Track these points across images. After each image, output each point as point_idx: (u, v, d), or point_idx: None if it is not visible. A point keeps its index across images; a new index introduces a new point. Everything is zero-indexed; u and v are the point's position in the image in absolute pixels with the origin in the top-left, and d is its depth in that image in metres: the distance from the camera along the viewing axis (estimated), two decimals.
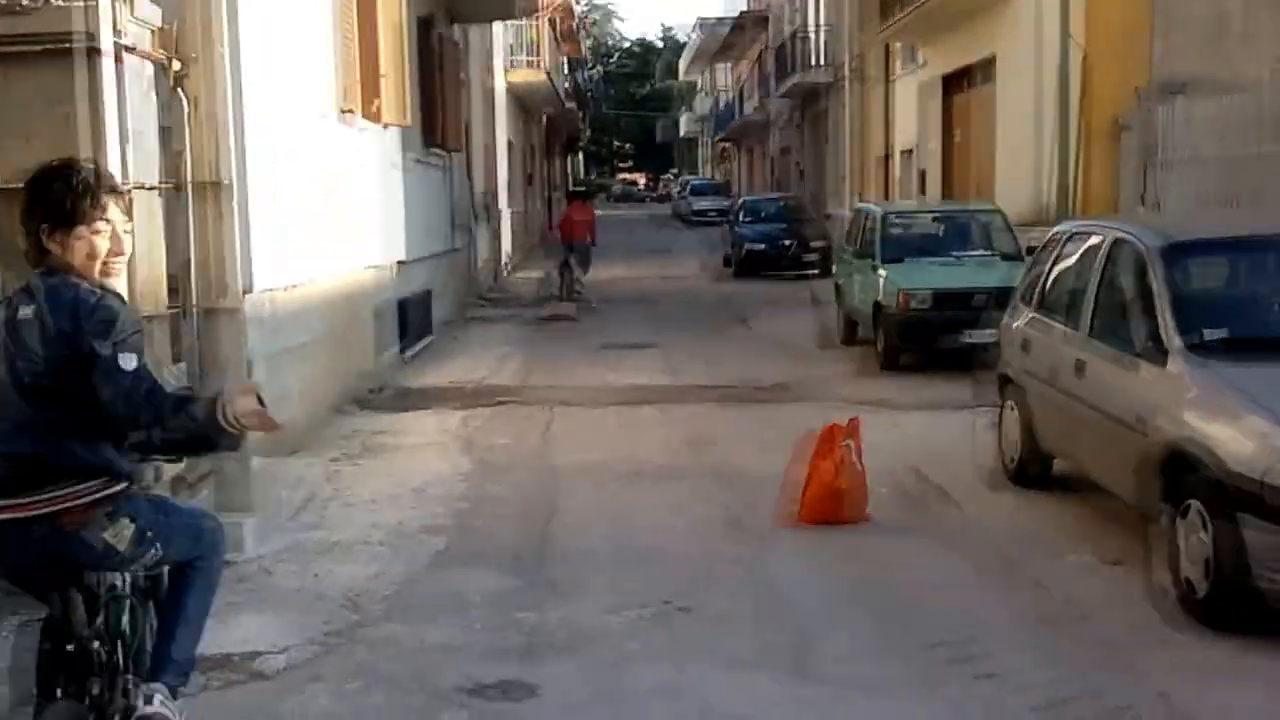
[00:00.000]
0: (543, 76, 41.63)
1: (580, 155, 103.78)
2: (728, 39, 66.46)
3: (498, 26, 34.63)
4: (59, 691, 4.57)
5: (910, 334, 17.15)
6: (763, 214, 37.99)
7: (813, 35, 45.06)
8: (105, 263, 4.60)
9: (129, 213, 4.84)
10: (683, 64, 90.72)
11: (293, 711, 6.33)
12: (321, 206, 13.55)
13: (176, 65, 8.63)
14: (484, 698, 6.44)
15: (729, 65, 77.76)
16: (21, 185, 4.70)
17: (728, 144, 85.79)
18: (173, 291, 8.72)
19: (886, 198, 33.89)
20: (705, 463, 11.82)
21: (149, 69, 8.40)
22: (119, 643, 4.75)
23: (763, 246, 34.88)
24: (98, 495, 4.46)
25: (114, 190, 4.72)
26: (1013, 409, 10.69)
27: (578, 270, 28.48)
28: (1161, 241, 8.76)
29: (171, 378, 8.73)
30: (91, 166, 4.76)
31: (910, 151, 33.74)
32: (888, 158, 36.04)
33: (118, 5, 7.74)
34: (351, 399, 14.73)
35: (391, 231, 17.76)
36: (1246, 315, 8.91)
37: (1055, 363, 9.74)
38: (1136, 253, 8.90)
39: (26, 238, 4.57)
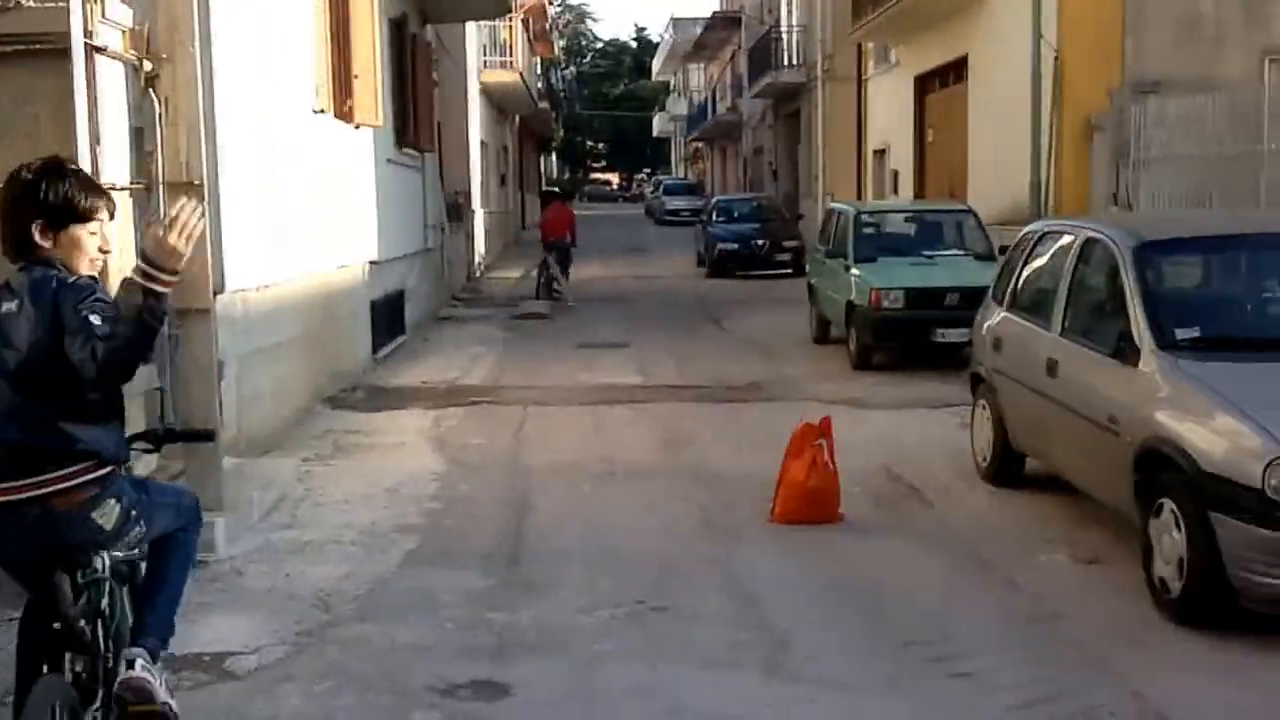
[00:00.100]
0: (516, 77, 41.64)
1: (554, 155, 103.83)
2: (700, 39, 66.59)
3: (471, 27, 34.62)
4: (44, 670, 4.69)
5: (883, 333, 17.17)
6: (736, 214, 38.00)
7: (785, 35, 45.13)
8: (92, 259, 4.78)
9: (114, 212, 4.97)
10: (656, 64, 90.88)
11: (263, 712, 6.29)
12: (293, 207, 13.50)
13: (148, 66, 8.58)
14: (455, 698, 6.43)
15: (702, 65, 77.85)
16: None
17: (701, 144, 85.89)
18: None
19: (859, 197, 33.93)
20: (678, 462, 11.81)
21: (120, 69, 8.37)
22: (99, 622, 4.88)
23: (736, 246, 34.88)
24: (87, 478, 4.63)
25: (105, 190, 4.95)
26: (985, 408, 10.71)
27: (555, 270, 28.50)
28: (1133, 241, 8.78)
29: (142, 380, 8.70)
30: (74, 166, 4.93)
31: (883, 151, 33.81)
32: (860, 157, 36.10)
33: (89, 6, 7.70)
34: (324, 399, 14.69)
35: (364, 232, 17.71)
36: (1218, 314, 8.96)
37: (1028, 362, 9.75)
38: (1108, 252, 8.92)
39: (9, 233, 4.69)
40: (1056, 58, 20.73)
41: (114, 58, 8.20)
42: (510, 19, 39.64)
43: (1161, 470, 7.42)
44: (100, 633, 4.90)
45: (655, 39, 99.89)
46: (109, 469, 4.71)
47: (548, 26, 63.72)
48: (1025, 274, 10.59)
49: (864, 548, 9.02)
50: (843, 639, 7.23)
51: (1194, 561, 6.99)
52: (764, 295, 28.36)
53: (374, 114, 17.33)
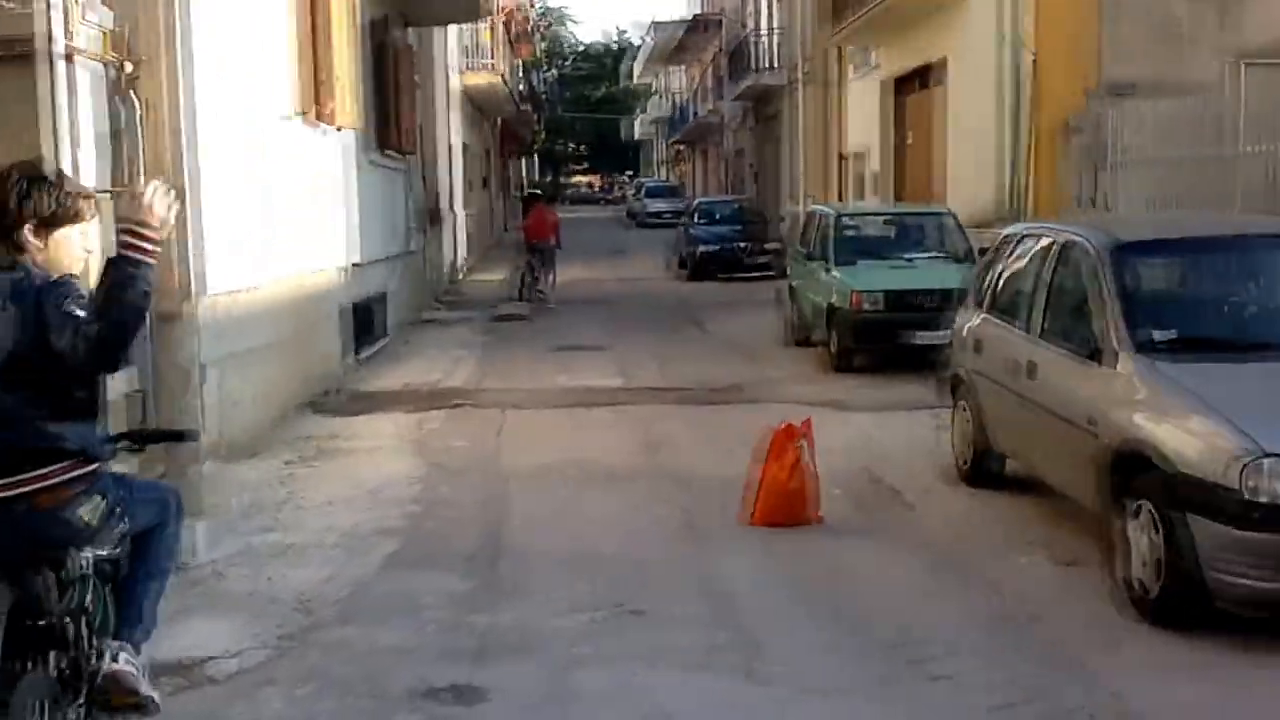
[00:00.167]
0: (497, 79, 41.59)
1: (535, 158, 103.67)
2: (681, 42, 66.48)
3: (452, 29, 34.55)
4: (28, 666, 4.73)
5: (863, 335, 17.21)
6: (716, 216, 38.08)
7: (765, 38, 45.15)
8: (77, 259, 4.90)
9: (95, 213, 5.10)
10: (636, 67, 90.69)
11: (244, 716, 6.30)
12: (274, 209, 13.49)
13: (128, 68, 8.58)
14: (436, 700, 6.43)
15: (683, 68, 77.78)
16: None
17: (682, 146, 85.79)
18: None
19: (839, 199, 33.96)
20: (658, 465, 11.83)
21: (100, 71, 8.36)
22: (83, 619, 4.96)
23: (716, 248, 34.92)
24: (71, 475, 4.71)
25: (90, 192, 5.10)
26: (964, 410, 10.74)
27: (539, 272, 28.55)
28: (1110, 243, 8.82)
29: (123, 383, 8.70)
30: (56, 168, 5.15)
31: (862, 153, 33.84)
32: (840, 160, 36.13)
33: (69, 8, 7.69)
34: (305, 402, 14.67)
35: (345, 234, 17.67)
36: (1195, 316, 9.00)
37: (1006, 363, 9.78)
38: (1086, 254, 8.96)
39: None
40: (1033, 60, 20.78)
41: (93, 60, 8.19)
42: (491, 21, 39.61)
43: (1138, 472, 7.45)
44: (83, 630, 4.95)
45: (636, 42, 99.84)
46: (92, 466, 4.78)
47: (528, 29, 63.65)
48: (1003, 276, 10.62)
49: (844, 550, 9.04)
50: (822, 641, 7.25)
51: (1171, 563, 7.02)
52: (745, 297, 28.38)
53: (354, 116, 17.31)
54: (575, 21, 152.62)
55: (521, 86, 58.36)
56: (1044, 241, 9.98)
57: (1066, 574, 8.29)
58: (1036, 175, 20.96)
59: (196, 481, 8.94)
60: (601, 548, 9.13)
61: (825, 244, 19.05)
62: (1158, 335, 8.06)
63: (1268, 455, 6.67)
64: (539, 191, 42.26)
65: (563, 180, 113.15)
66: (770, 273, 32.43)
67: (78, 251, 4.87)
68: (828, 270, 18.29)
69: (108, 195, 8.33)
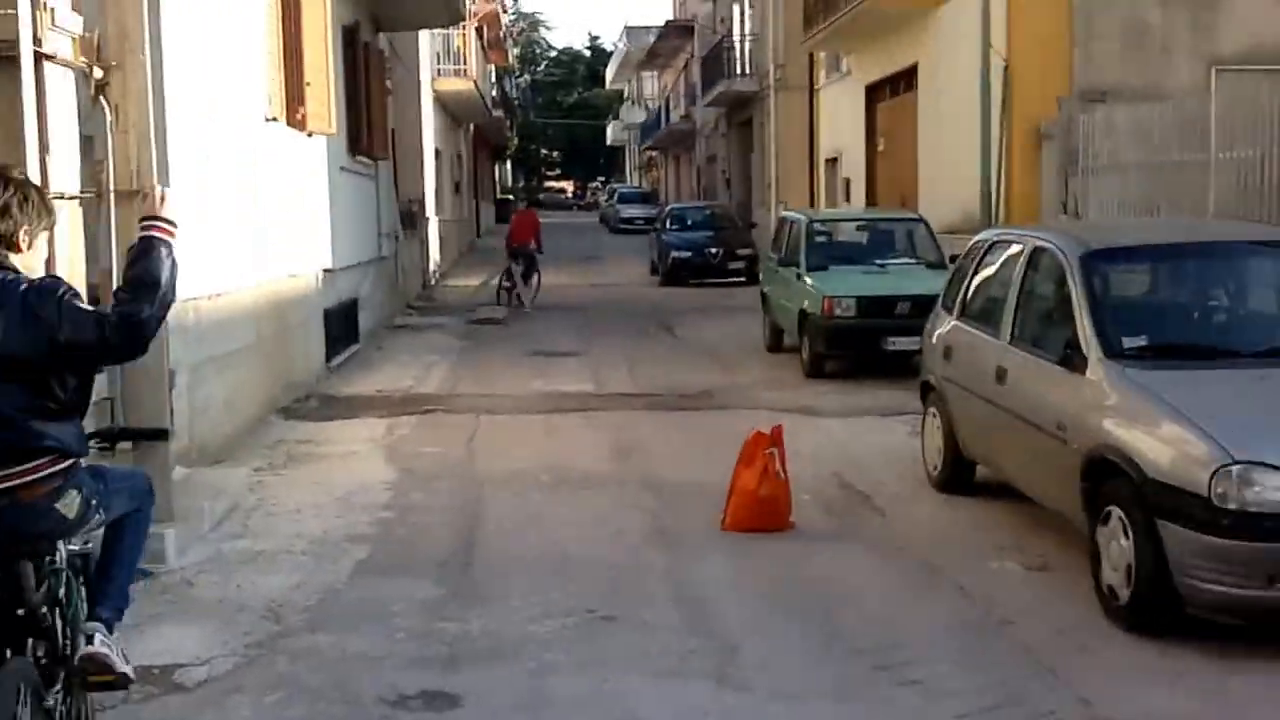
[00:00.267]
0: (470, 85, 41.58)
1: (509, 164, 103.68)
2: (654, 48, 66.64)
3: (424, 35, 34.55)
4: (8, 654, 4.80)
5: (835, 341, 17.23)
6: (689, 222, 38.10)
7: (738, 44, 45.25)
8: (46, 261, 5.17)
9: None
10: (609, 73, 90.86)
11: None
12: (246, 215, 13.46)
13: (98, 73, 8.53)
14: (406, 708, 6.41)
15: (656, 74, 77.92)
16: None
17: (655, 152, 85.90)
18: (94, 302, 8.62)
19: (812, 206, 34.04)
20: (630, 471, 11.82)
21: (70, 77, 8.32)
22: (58, 610, 5.08)
23: (689, 254, 34.94)
24: (51, 470, 4.79)
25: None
26: (935, 416, 10.75)
27: (518, 276, 28.61)
28: (1080, 250, 8.85)
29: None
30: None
31: (835, 160, 33.93)
32: (813, 166, 36.21)
33: (38, 13, 7.65)
34: (277, 408, 14.63)
35: (318, 239, 17.65)
36: (1165, 322, 9.05)
37: (977, 370, 9.80)
38: (1056, 261, 8.99)
39: None
40: (1006, 67, 20.86)
41: (63, 65, 8.15)
42: (464, 27, 39.63)
43: (1109, 478, 7.48)
44: (59, 619, 5.07)
45: (609, 48, 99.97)
46: (71, 461, 4.87)
47: (502, 35, 63.65)
48: (975, 283, 10.64)
49: (815, 556, 9.04)
50: (793, 647, 7.25)
51: (1141, 569, 7.05)
52: (718, 303, 28.43)
53: (327, 122, 17.28)
54: (549, 27, 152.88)
55: (495, 92, 58.33)
56: (1015, 248, 10.00)
57: (1037, 579, 8.31)
58: (1010, 181, 21.05)
59: (166, 486, 8.88)
60: (573, 553, 9.12)
61: (797, 250, 19.06)
62: (1128, 342, 8.10)
63: (1237, 462, 6.70)
64: (512, 197, 42.27)
65: (536, 185, 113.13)
66: (743, 279, 32.51)
67: (44, 254, 5.07)
68: (800, 276, 18.30)
69: (77, 201, 8.30)
